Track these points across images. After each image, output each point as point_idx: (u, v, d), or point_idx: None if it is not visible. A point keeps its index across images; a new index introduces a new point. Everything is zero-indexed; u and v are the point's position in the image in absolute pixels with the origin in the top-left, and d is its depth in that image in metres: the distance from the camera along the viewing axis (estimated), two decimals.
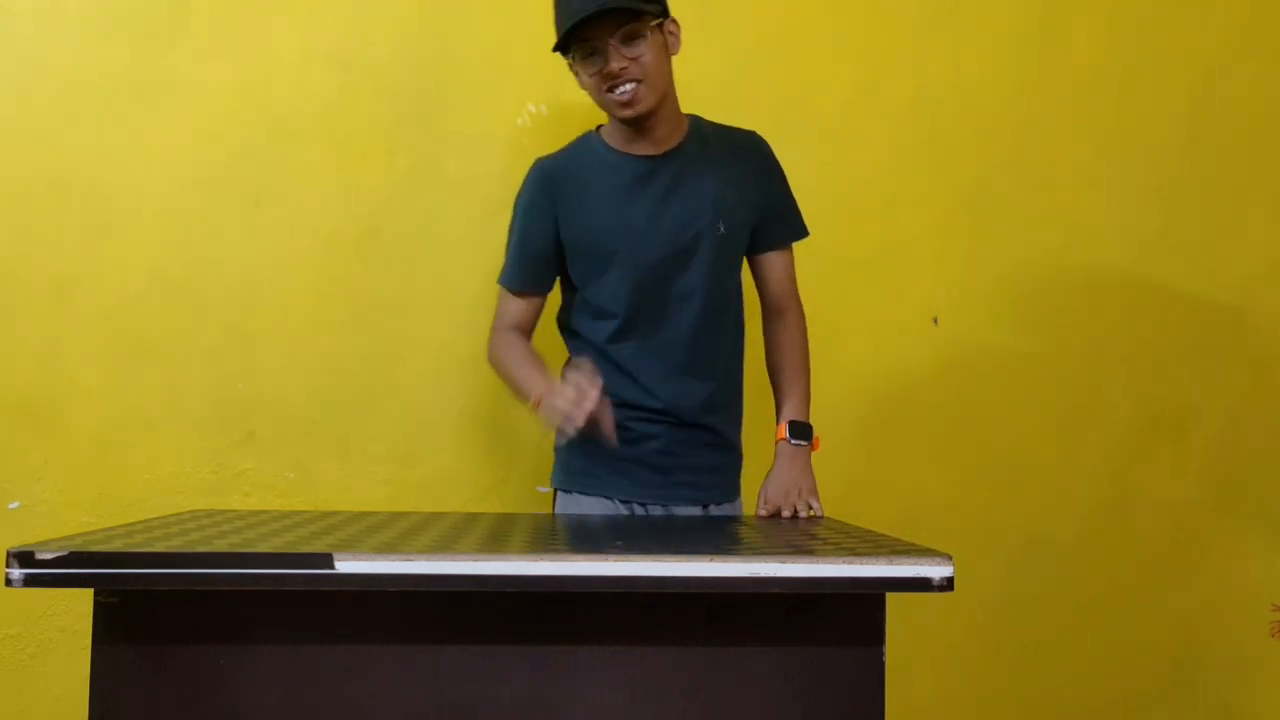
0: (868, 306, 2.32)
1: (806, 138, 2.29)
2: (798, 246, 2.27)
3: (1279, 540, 2.39)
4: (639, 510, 1.84)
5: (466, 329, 2.23)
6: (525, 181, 1.87)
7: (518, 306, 1.88)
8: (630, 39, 1.71)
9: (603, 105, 1.78)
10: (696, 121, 1.89)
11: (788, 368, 1.91)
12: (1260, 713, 2.39)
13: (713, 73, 2.25)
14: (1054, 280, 2.36)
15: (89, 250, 2.16)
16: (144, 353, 2.17)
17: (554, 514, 1.88)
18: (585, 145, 1.88)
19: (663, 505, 1.84)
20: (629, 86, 1.72)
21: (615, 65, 1.71)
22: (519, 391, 1.79)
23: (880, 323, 2.33)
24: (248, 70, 2.20)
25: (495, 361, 1.89)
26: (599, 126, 1.89)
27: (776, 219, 1.92)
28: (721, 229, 1.83)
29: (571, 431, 1.61)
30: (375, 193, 2.23)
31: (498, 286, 1.91)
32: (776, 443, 1.86)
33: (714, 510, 1.87)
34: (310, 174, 2.21)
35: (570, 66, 1.79)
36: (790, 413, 1.88)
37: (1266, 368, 2.40)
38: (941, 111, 2.34)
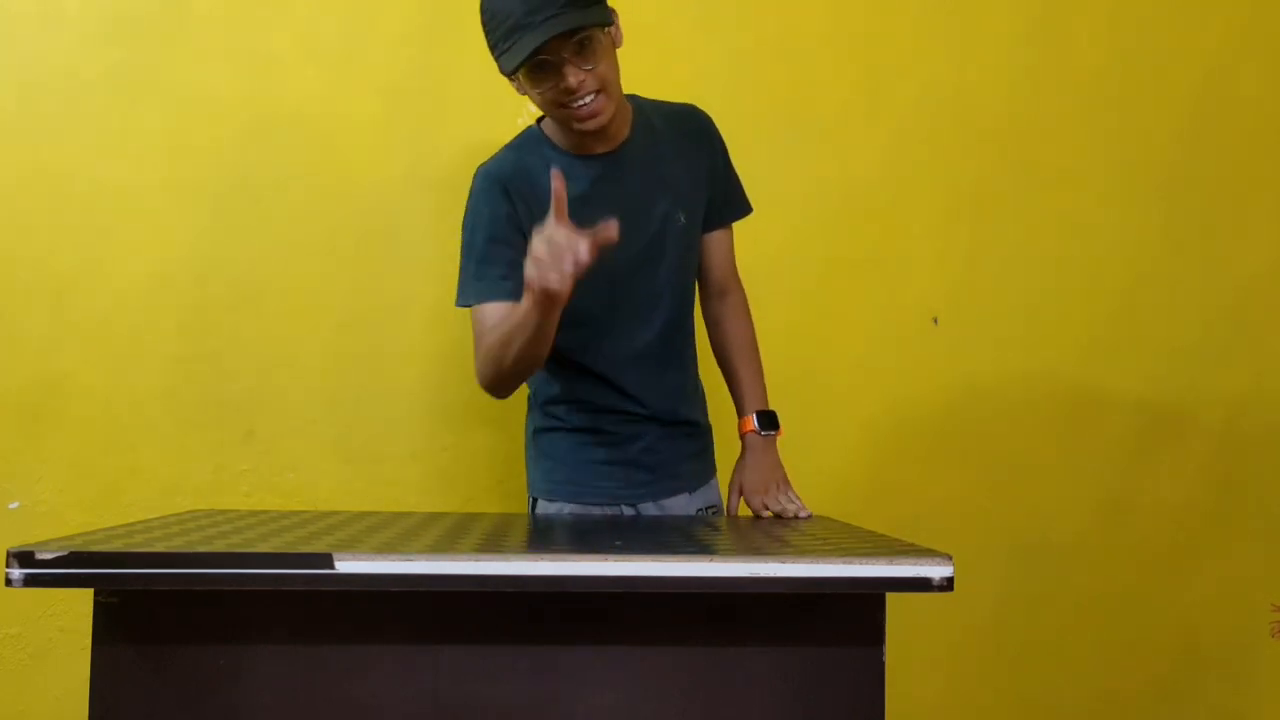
0: (868, 306, 2.32)
1: (807, 138, 2.29)
2: (799, 247, 2.27)
3: (1279, 540, 2.39)
4: (627, 511, 1.81)
5: (467, 329, 2.22)
6: (475, 191, 1.72)
7: (497, 317, 1.64)
8: (582, 49, 1.58)
9: (561, 121, 1.66)
10: (638, 103, 1.79)
11: (740, 352, 1.88)
12: (1260, 713, 2.39)
13: (713, 73, 2.25)
14: (1054, 280, 2.36)
15: (89, 250, 2.16)
16: (144, 353, 2.17)
17: (557, 514, 1.87)
18: (530, 147, 1.75)
19: (653, 500, 1.83)
20: (589, 98, 1.61)
21: (573, 80, 1.58)
22: (516, 324, 1.54)
23: (880, 323, 2.33)
24: (247, 70, 2.20)
25: (488, 352, 1.64)
26: (540, 120, 1.78)
27: (723, 197, 1.85)
28: (682, 219, 1.77)
29: (581, 260, 1.38)
30: (375, 192, 2.23)
31: (467, 312, 1.71)
32: (744, 434, 1.84)
33: (695, 496, 1.86)
34: (309, 173, 2.21)
35: (516, 87, 1.67)
36: (755, 402, 1.85)
37: (1266, 368, 2.40)
38: (942, 112, 2.34)
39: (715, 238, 1.87)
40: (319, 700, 1.24)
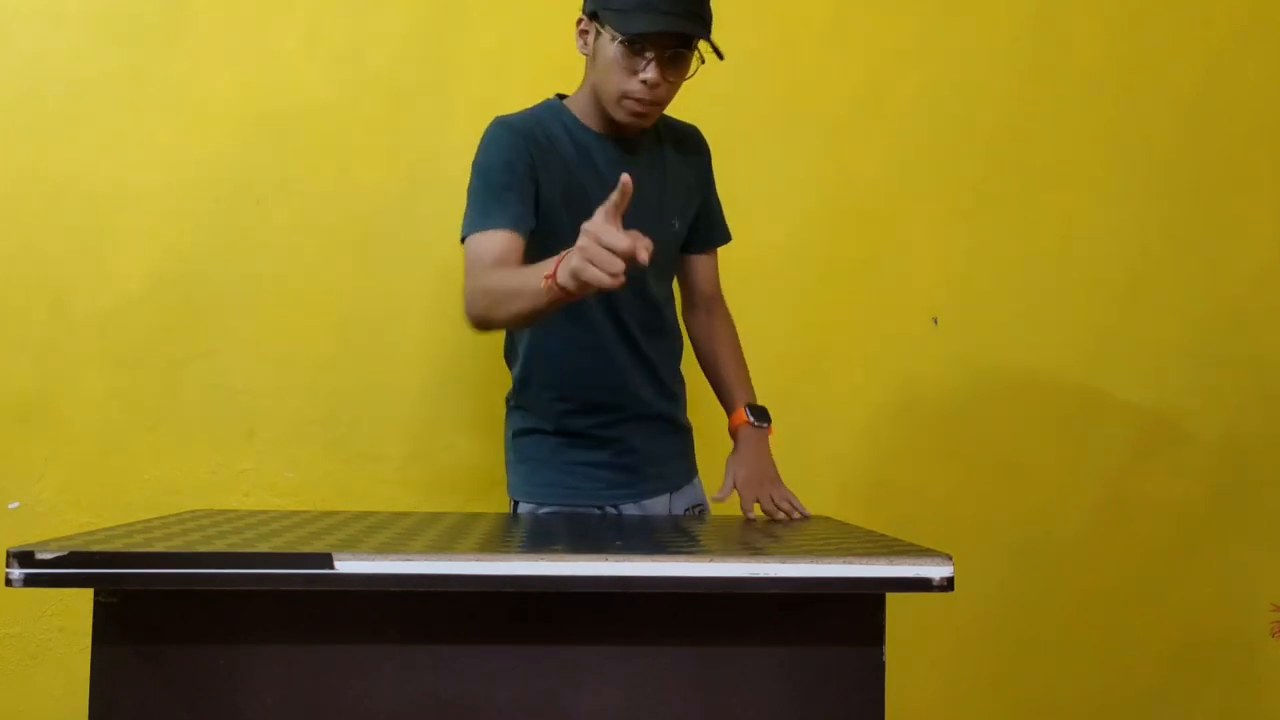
0: (868, 306, 2.32)
1: (807, 138, 2.29)
2: (799, 247, 2.28)
3: (1279, 540, 2.39)
4: (610, 512, 1.79)
5: (466, 329, 2.22)
6: (493, 137, 1.70)
7: (501, 244, 1.59)
8: (678, 61, 1.64)
9: (609, 96, 1.66)
10: None
11: (728, 357, 1.90)
12: (1260, 713, 2.39)
13: (713, 73, 2.25)
14: (1054, 280, 2.36)
15: (89, 250, 2.16)
16: (144, 353, 2.17)
17: (556, 514, 1.86)
18: (551, 114, 1.76)
19: (635, 502, 1.81)
20: (647, 105, 1.65)
21: (655, 76, 1.61)
22: (523, 292, 1.46)
23: (880, 323, 2.33)
24: (248, 70, 2.21)
25: (485, 292, 1.56)
26: (560, 95, 1.80)
27: (709, 220, 1.91)
28: (675, 225, 1.82)
29: (641, 256, 1.28)
30: (375, 192, 2.23)
31: (461, 246, 1.66)
32: (737, 427, 1.83)
33: (678, 495, 1.86)
34: (311, 174, 2.21)
35: (582, 45, 1.68)
36: (745, 396, 1.86)
37: (1266, 368, 2.40)
38: (942, 112, 2.34)
39: (702, 260, 1.92)
40: (319, 700, 1.24)
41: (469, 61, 2.26)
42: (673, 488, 1.86)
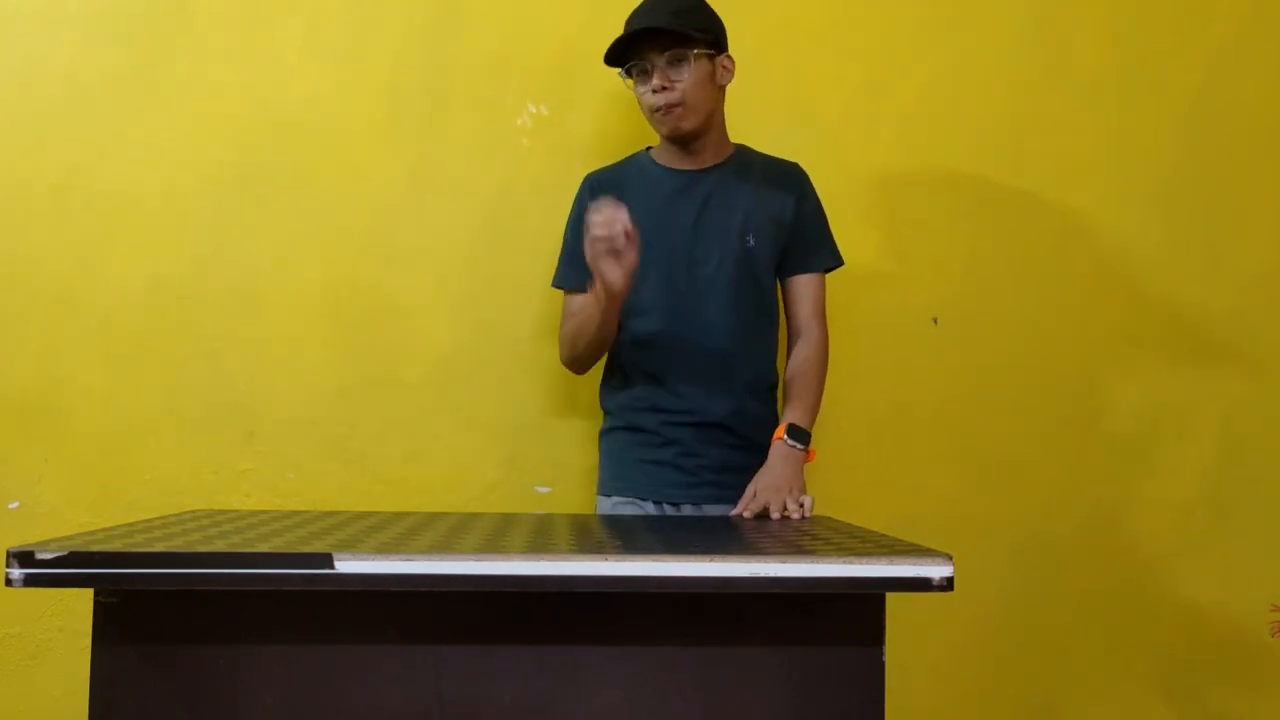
0: (868, 306, 2.32)
1: (807, 138, 2.29)
2: None
3: (1279, 540, 2.39)
4: (670, 510, 1.92)
5: (467, 329, 2.23)
6: (578, 195, 2.01)
7: (576, 302, 1.94)
8: (675, 62, 1.84)
9: (650, 121, 1.91)
10: (742, 150, 2.01)
11: (800, 382, 1.95)
12: (1260, 713, 2.39)
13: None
14: (1054, 280, 2.36)
15: (89, 250, 2.16)
16: (144, 353, 2.17)
17: (556, 514, 1.92)
18: (633, 161, 2.02)
19: (693, 504, 1.92)
20: (665, 108, 1.85)
21: (656, 82, 1.84)
22: (590, 316, 1.85)
23: (880, 323, 2.33)
24: (248, 70, 2.21)
25: (564, 342, 1.97)
26: (649, 147, 2.02)
27: (807, 244, 1.99)
28: (751, 241, 1.92)
29: (620, 232, 1.65)
30: (376, 193, 2.23)
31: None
32: (772, 443, 1.87)
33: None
34: (311, 174, 2.21)
35: (622, 77, 1.92)
36: (792, 417, 1.89)
37: (1266, 368, 2.40)
38: (942, 112, 2.34)
39: (798, 282, 1.99)
40: (319, 700, 1.24)
41: (469, 62, 2.26)
42: (734, 499, 1.87)
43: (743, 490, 1.86)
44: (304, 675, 1.24)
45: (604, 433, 2.04)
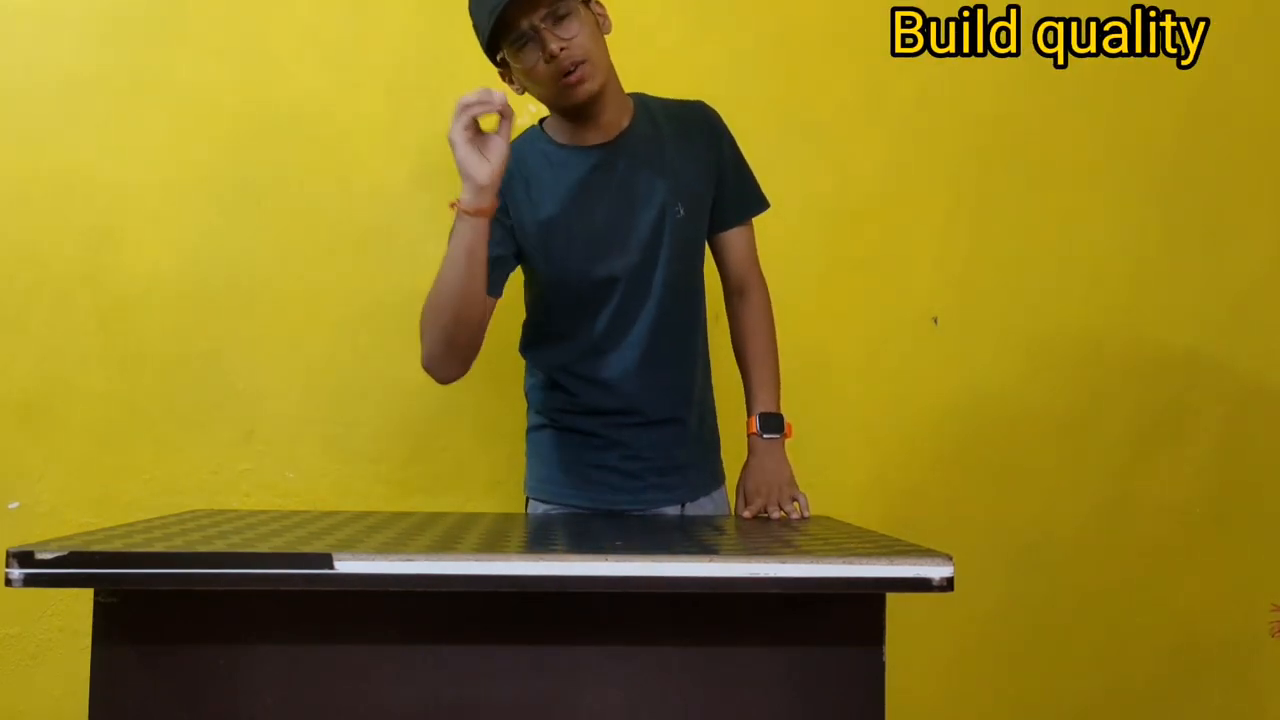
0: (868, 306, 2.32)
1: (807, 138, 2.29)
2: (799, 247, 2.26)
3: (1279, 540, 2.39)
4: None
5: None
6: None
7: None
8: (560, 19, 1.59)
9: (550, 96, 1.66)
10: (642, 99, 1.79)
11: (754, 352, 1.82)
12: (1260, 713, 2.39)
13: (713, 73, 2.25)
14: (1054, 280, 2.36)
15: (89, 250, 2.16)
16: (144, 353, 2.17)
17: (557, 514, 1.86)
18: (527, 142, 1.74)
19: (640, 509, 1.77)
20: (573, 68, 1.60)
21: (554, 46, 1.58)
22: (445, 264, 1.58)
23: (880, 323, 2.32)
24: (248, 70, 2.21)
25: (424, 326, 1.67)
26: (541, 120, 1.78)
27: (733, 193, 1.81)
28: (680, 211, 1.73)
29: (493, 104, 1.45)
30: (375, 192, 2.23)
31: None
32: (748, 436, 1.80)
33: (691, 507, 1.81)
34: (310, 174, 2.21)
35: (502, 73, 1.69)
36: (760, 404, 1.80)
37: (1266, 368, 2.40)
38: (942, 111, 2.34)
39: (730, 235, 1.83)
40: (319, 700, 1.24)
41: (469, 61, 2.25)
42: (681, 499, 1.80)
43: (689, 486, 1.79)
44: (304, 675, 1.24)
45: (530, 430, 1.85)
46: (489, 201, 1.51)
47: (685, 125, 1.79)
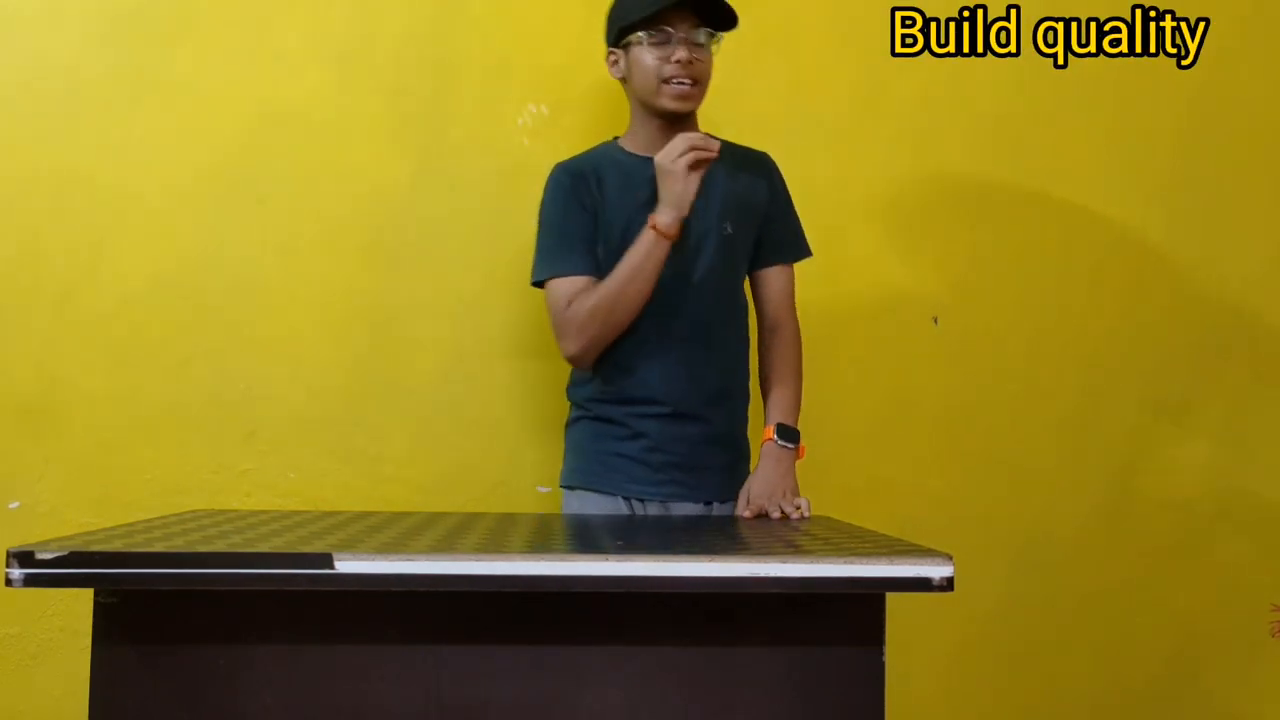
0: (868, 306, 2.32)
1: (807, 138, 2.29)
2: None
3: (1279, 540, 2.39)
4: (637, 506, 1.86)
5: (467, 329, 2.23)
6: (551, 184, 1.90)
7: (581, 286, 1.81)
8: (700, 43, 1.82)
9: (650, 93, 1.84)
10: (711, 135, 1.92)
11: (779, 378, 1.92)
12: (1260, 713, 2.39)
13: (713, 73, 2.25)
14: (1054, 280, 2.36)
15: (90, 250, 2.16)
16: (144, 353, 2.17)
17: (557, 514, 1.90)
18: (603, 151, 1.94)
19: (659, 501, 1.86)
20: (688, 83, 1.81)
21: (686, 54, 1.79)
22: (633, 266, 1.76)
23: (880, 323, 2.32)
24: (249, 70, 2.20)
25: (592, 310, 1.79)
26: (615, 138, 1.96)
27: (778, 233, 1.95)
28: (728, 229, 1.88)
29: (713, 151, 1.70)
30: (377, 192, 2.23)
31: (541, 289, 1.87)
32: (763, 443, 1.86)
33: (717, 509, 1.88)
34: (312, 174, 2.21)
35: (611, 52, 1.88)
36: (778, 416, 1.88)
37: (1266, 367, 2.40)
38: (942, 111, 2.34)
39: (771, 273, 1.95)
40: (319, 700, 1.24)
41: (470, 61, 2.26)
42: (701, 498, 1.87)
43: (713, 488, 1.87)
44: (304, 675, 1.24)
45: (570, 423, 1.97)
46: (680, 229, 1.74)
47: (744, 161, 1.95)
